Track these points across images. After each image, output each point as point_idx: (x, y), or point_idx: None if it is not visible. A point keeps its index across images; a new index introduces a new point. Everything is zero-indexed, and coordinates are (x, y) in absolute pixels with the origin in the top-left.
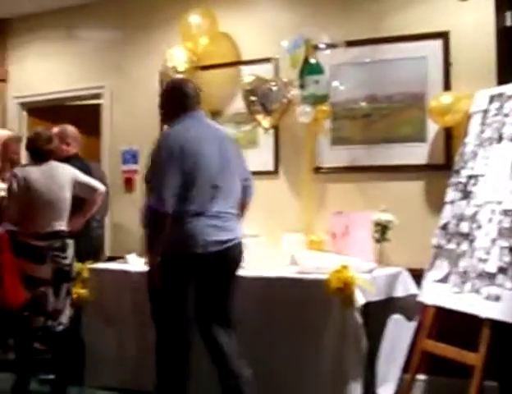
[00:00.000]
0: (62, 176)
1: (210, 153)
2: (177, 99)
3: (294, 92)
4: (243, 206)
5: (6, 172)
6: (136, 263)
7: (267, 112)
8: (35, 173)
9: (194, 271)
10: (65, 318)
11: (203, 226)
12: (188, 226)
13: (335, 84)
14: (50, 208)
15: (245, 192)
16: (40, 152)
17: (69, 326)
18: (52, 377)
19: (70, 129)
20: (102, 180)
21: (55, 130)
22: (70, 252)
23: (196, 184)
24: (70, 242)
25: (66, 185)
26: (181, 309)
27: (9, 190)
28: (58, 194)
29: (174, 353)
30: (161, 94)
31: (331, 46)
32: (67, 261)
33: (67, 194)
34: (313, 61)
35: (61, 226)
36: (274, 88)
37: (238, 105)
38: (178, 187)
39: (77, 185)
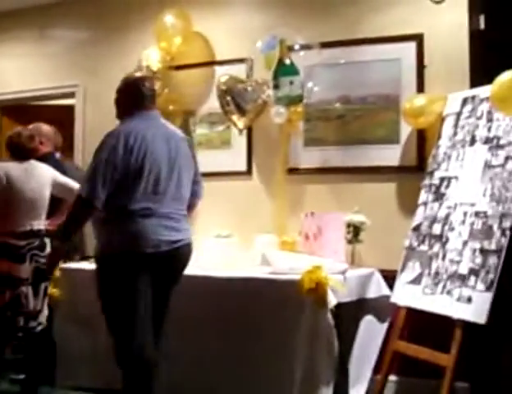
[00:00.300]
0: (43, 175)
1: (159, 153)
2: (131, 97)
3: (269, 93)
4: (190, 207)
5: None
6: None
7: (242, 112)
8: (17, 171)
9: (144, 270)
10: (43, 318)
11: (154, 225)
12: (138, 226)
13: (309, 85)
14: (30, 207)
15: (194, 194)
16: (22, 150)
17: (45, 326)
18: (22, 377)
19: (45, 127)
20: (77, 179)
21: (29, 127)
22: (48, 251)
23: (143, 183)
24: (48, 241)
25: (46, 184)
26: (132, 309)
27: None
28: (39, 193)
29: (129, 354)
30: (117, 91)
31: (305, 47)
32: (45, 260)
33: (47, 193)
34: (287, 62)
35: (40, 225)
36: (249, 88)
37: (212, 105)
38: (116, 185)
39: (56, 185)
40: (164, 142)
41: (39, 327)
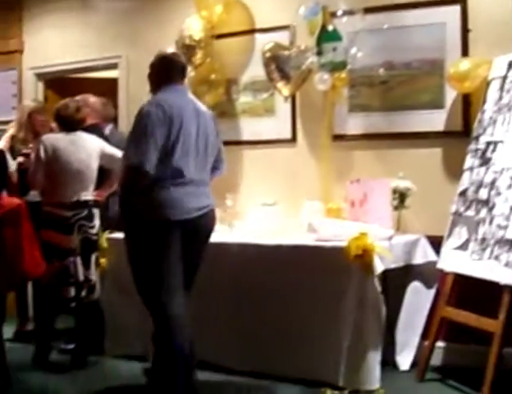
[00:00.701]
0: (90, 146)
1: (191, 126)
2: (164, 71)
3: (312, 59)
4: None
5: (30, 142)
6: None
7: (288, 79)
8: (64, 142)
9: (176, 235)
10: (97, 288)
11: (185, 193)
12: (171, 194)
13: (352, 51)
14: (77, 178)
15: (216, 169)
16: (69, 121)
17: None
18: (72, 346)
19: (92, 99)
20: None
21: (76, 99)
22: (97, 221)
23: (177, 151)
24: (97, 212)
25: (94, 155)
26: (163, 278)
27: (36, 157)
28: (85, 164)
29: (159, 323)
30: (150, 66)
31: (348, 13)
32: (94, 230)
33: (94, 165)
34: (330, 28)
35: (88, 195)
36: (293, 55)
37: (255, 73)
38: (159, 152)
39: (104, 156)
40: (194, 116)
41: (94, 297)
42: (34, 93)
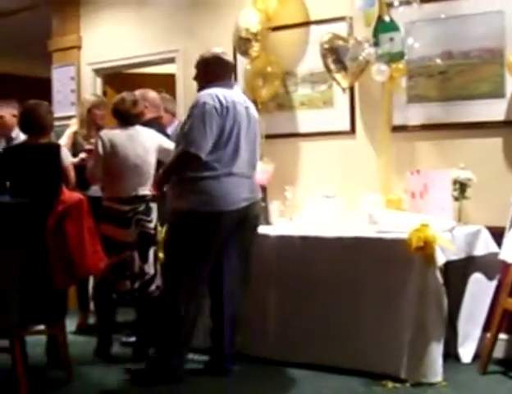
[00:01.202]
0: (148, 141)
1: (242, 119)
2: (214, 68)
3: (369, 50)
4: None
5: (93, 137)
6: None
7: (346, 70)
8: (121, 137)
9: (223, 228)
10: (159, 282)
11: (235, 184)
12: (222, 184)
13: (410, 41)
14: (135, 172)
15: None
16: (126, 116)
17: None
18: (133, 339)
19: (151, 94)
20: None
21: (134, 93)
22: (155, 216)
23: (230, 143)
24: (154, 206)
25: (151, 149)
26: (200, 267)
27: (95, 152)
28: (143, 159)
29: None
30: (196, 66)
31: (404, 3)
32: (152, 225)
33: (152, 159)
34: (387, 18)
35: (145, 190)
36: (351, 46)
37: (312, 65)
38: (213, 142)
39: (162, 150)
40: (245, 111)
41: (155, 292)
42: (92, 89)
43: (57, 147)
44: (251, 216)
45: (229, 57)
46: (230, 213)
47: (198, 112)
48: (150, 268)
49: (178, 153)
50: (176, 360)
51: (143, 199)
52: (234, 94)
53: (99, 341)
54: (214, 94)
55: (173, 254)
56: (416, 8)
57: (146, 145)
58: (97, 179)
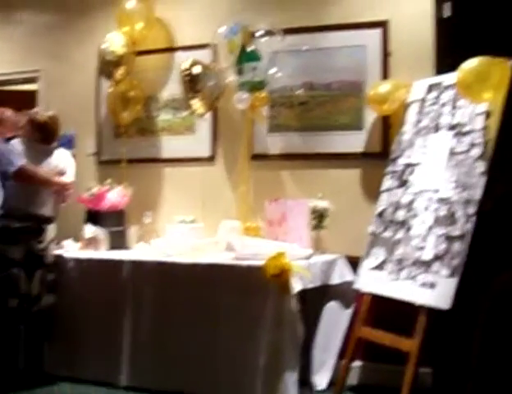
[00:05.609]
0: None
1: None
2: None
3: (232, 78)
4: None
5: None
6: (72, 248)
7: (203, 97)
8: None
9: None
10: (42, 303)
11: None
12: None
13: (272, 71)
14: (28, 191)
15: None
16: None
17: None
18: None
19: (6, 113)
20: None
21: None
22: (46, 237)
23: None
24: (48, 227)
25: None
26: None
27: None
28: None
29: None
30: None
31: (268, 33)
32: (42, 245)
33: None
34: (250, 48)
35: (39, 210)
36: (210, 73)
37: (175, 91)
38: None
39: None
40: None
41: (37, 309)
42: None
43: None
44: None
45: None
46: None
47: None
48: (34, 289)
49: None
50: None
51: (36, 217)
52: None
53: None
54: None
55: None
56: (279, 39)
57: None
58: None
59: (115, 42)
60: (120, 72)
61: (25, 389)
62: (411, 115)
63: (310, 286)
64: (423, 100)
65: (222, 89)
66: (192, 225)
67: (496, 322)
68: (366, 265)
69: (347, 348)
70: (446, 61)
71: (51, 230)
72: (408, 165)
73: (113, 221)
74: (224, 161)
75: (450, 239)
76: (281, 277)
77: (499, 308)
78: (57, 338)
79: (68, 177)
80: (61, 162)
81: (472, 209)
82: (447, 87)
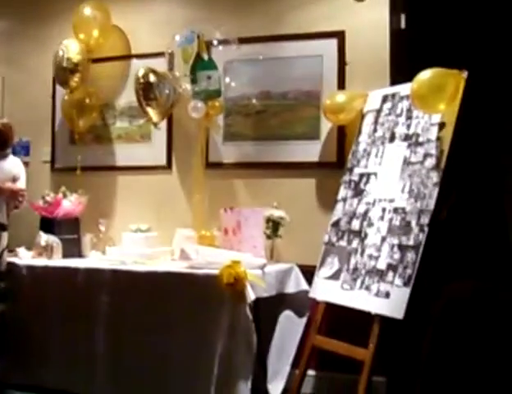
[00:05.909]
0: None
1: None
2: None
3: (186, 87)
4: None
5: None
6: (25, 256)
7: (158, 105)
8: None
9: None
10: None
11: None
12: None
13: (227, 80)
14: None
15: None
16: None
17: None
18: None
19: None
20: None
21: None
22: None
23: None
24: (0, 234)
25: None
26: None
27: None
28: None
29: None
30: None
31: (223, 42)
32: None
33: None
34: (205, 56)
35: None
36: (165, 81)
37: (130, 98)
38: None
39: None
40: None
41: None
42: None
43: None
44: None
45: None
46: None
47: None
48: None
49: None
50: None
51: None
52: None
53: None
54: None
55: None
56: (235, 48)
57: None
58: None
59: (71, 49)
60: (75, 79)
61: None
62: (367, 125)
63: (265, 295)
64: (379, 110)
65: (177, 97)
66: (147, 233)
67: (444, 331)
68: (321, 274)
69: (301, 357)
70: (402, 71)
71: (3, 237)
72: (363, 175)
73: (68, 229)
74: (179, 169)
75: (403, 248)
76: (236, 285)
77: (448, 316)
78: (9, 346)
79: (21, 184)
80: (15, 169)
81: (426, 219)
82: (402, 97)
